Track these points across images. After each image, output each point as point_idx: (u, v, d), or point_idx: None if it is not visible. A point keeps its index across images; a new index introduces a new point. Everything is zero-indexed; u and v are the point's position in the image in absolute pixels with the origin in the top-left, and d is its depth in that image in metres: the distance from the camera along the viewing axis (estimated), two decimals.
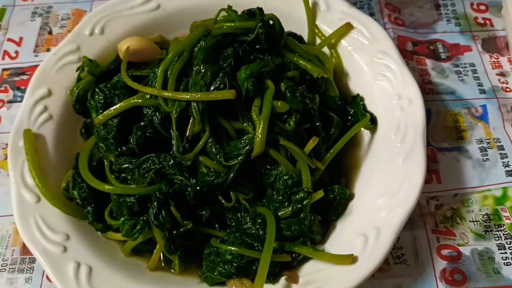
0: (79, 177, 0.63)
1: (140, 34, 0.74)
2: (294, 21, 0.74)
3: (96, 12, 0.75)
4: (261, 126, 0.58)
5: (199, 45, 0.63)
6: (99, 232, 0.63)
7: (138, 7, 0.76)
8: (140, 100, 0.63)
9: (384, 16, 0.83)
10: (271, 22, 0.67)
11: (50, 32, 0.86)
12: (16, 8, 0.90)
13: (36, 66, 0.73)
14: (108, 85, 0.68)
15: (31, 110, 0.68)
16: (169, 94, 0.60)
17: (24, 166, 0.64)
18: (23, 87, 0.80)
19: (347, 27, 0.70)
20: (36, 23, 0.87)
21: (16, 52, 0.84)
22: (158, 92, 0.61)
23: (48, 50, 0.83)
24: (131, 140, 0.63)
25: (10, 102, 0.79)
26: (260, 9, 0.66)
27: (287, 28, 0.72)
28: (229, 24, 0.65)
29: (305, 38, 0.74)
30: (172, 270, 0.61)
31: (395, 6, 0.85)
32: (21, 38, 0.86)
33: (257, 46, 0.66)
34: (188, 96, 0.59)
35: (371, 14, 0.84)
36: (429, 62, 0.78)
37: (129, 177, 0.63)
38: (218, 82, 0.61)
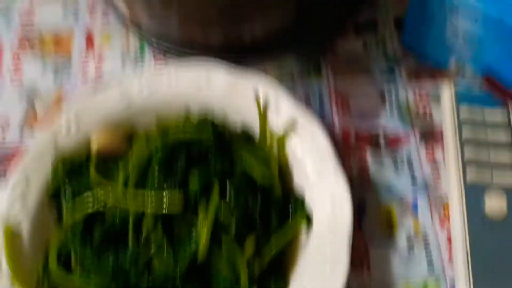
0: (48, 267, 0.73)
1: (112, 128, 0.83)
2: (249, 116, 0.83)
3: (71, 107, 0.84)
4: (204, 235, 0.68)
5: (155, 157, 0.73)
6: None
7: (111, 103, 0.85)
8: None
9: (332, 106, 0.91)
10: (222, 129, 0.76)
11: (34, 116, 0.95)
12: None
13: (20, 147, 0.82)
14: (78, 180, 0.77)
15: (12, 205, 0.77)
16: (127, 203, 0.70)
17: (2, 255, 0.73)
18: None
19: (294, 130, 0.79)
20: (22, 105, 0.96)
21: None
22: (118, 201, 0.71)
23: (31, 132, 0.93)
24: (95, 236, 0.73)
25: None
26: (212, 122, 0.76)
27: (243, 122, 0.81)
28: (183, 135, 0.74)
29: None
30: None
31: (344, 96, 0.93)
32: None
33: (209, 151, 0.75)
34: (143, 208, 0.70)
35: (321, 103, 0.92)
36: (369, 153, 0.87)
37: (92, 269, 0.72)
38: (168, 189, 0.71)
